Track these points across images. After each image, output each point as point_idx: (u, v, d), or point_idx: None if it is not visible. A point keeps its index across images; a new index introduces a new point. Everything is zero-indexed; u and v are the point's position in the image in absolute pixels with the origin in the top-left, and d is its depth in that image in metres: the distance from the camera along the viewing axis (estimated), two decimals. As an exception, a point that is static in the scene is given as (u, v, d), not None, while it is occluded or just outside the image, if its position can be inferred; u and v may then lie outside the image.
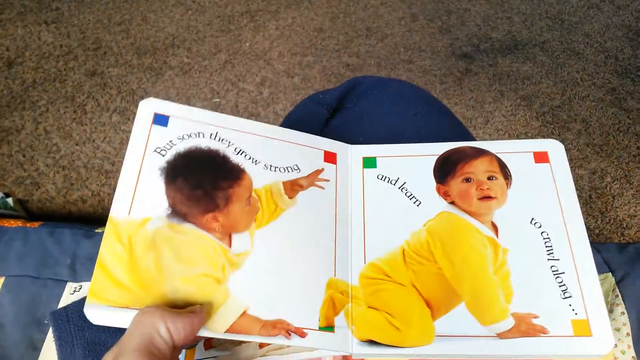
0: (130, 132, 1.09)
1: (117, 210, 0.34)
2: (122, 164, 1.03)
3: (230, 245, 0.35)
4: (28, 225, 0.60)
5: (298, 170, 0.40)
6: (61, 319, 0.50)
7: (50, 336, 0.52)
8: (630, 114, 1.11)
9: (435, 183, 0.38)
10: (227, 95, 1.18)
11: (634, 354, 0.48)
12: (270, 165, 0.39)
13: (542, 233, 0.34)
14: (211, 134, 0.39)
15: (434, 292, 0.34)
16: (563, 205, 0.35)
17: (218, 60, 1.27)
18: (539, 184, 0.36)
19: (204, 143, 0.38)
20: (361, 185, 0.40)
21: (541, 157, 0.37)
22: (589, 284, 0.32)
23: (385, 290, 0.35)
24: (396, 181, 0.39)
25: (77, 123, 1.12)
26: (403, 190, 0.38)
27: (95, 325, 0.51)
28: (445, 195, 0.38)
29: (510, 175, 0.38)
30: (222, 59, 1.27)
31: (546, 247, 0.34)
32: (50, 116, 1.13)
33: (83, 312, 0.52)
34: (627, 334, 0.49)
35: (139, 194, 0.35)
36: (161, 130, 0.38)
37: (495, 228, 0.35)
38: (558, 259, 0.33)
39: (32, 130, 1.10)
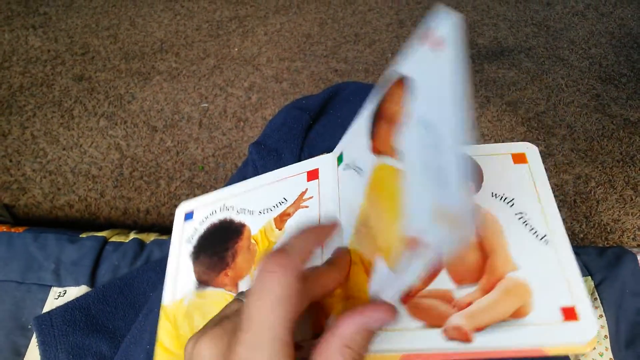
0: (117, 136, 1.10)
1: (166, 299, 0.41)
2: (109, 168, 1.04)
3: (237, 292, 0.39)
4: (12, 230, 0.60)
5: (286, 202, 0.40)
6: (45, 324, 0.50)
7: (34, 341, 0.52)
8: (614, 120, 1.13)
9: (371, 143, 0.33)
10: (216, 100, 1.18)
11: (611, 355, 0.49)
12: (263, 209, 0.41)
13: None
14: (220, 208, 0.43)
15: (370, 255, 0.31)
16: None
17: (206, 65, 1.27)
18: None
19: (216, 217, 0.43)
20: (337, 186, 0.38)
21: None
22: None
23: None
24: (354, 163, 0.36)
25: (64, 128, 1.11)
26: (356, 169, 0.36)
27: (79, 330, 0.51)
28: (374, 149, 0.32)
29: None
30: (211, 64, 1.27)
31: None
32: (37, 121, 1.12)
33: (67, 317, 0.53)
34: (605, 336, 0.50)
35: (178, 280, 0.42)
36: (189, 223, 0.44)
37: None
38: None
39: (19, 135, 1.10)
